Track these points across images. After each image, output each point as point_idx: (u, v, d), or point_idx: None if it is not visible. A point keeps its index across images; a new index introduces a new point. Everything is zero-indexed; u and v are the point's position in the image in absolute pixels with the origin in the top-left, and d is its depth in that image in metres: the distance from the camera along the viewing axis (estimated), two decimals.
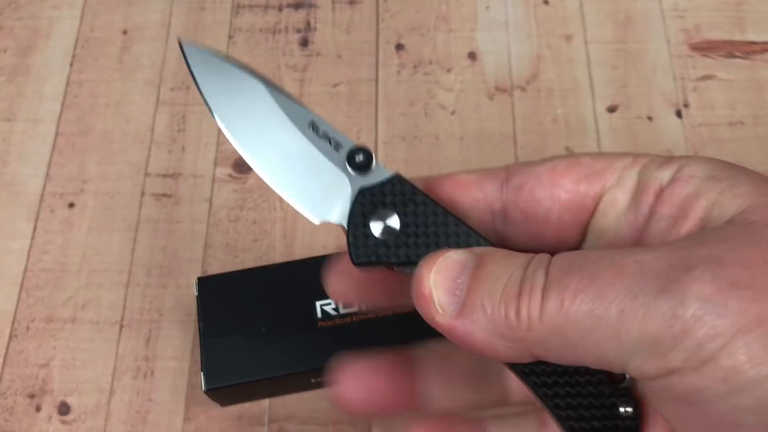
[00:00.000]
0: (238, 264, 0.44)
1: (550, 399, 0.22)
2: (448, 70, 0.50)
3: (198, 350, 0.38)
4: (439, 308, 0.21)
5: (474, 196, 0.24)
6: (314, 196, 0.24)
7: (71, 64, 0.51)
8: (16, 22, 0.53)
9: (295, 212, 0.47)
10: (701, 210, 0.21)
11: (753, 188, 0.20)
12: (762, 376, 0.17)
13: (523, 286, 0.20)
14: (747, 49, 0.50)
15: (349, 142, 0.24)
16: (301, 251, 0.45)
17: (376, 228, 0.23)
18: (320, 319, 0.38)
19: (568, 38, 0.51)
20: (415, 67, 0.50)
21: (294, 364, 0.37)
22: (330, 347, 0.38)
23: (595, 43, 0.51)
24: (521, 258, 0.21)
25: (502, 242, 0.25)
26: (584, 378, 0.22)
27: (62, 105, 0.50)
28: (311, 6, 0.53)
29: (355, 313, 0.38)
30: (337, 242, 0.45)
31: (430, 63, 0.51)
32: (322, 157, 0.24)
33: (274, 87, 0.24)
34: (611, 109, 0.49)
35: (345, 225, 0.23)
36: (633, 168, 0.23)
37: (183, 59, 0.24)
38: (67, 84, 0.50)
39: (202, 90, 0.24)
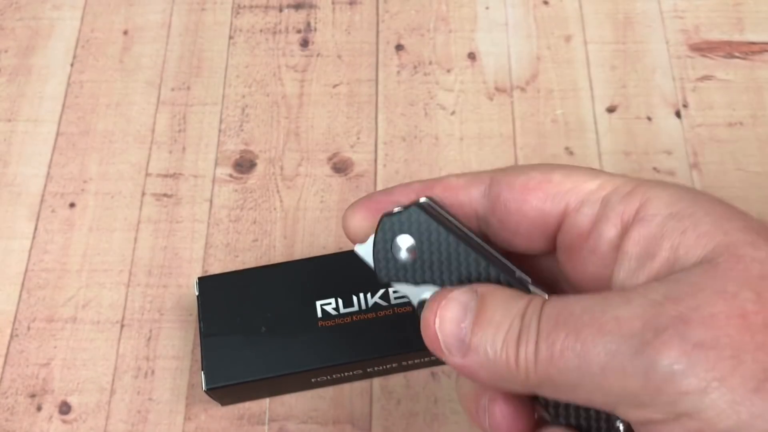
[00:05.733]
0: (238, 264, 0.45)
1: (555, 414, 0.24)
2: (448, 71, 0.50)
3: (198, 350, 0.38)
4: (446, 350, 0.23)
5: (461, 200, 0.26)
6: None
7: (72, 65, 0.51)
8: (17, 22, 0.53)
9: (296, 212, 0.47)
10: (666, 251, 0.22)
11: (714, 227, 0.21)
12: (729, 427, 0.18)
13: (520, 338, 0.22)
14: (746, 50, 0.51)
15: None
16: (301, 251, 0.45)
17: (396, 252, 0.25)
18: (320, 319, 0.38)
19: (568, 39, 0.51)
20: (415, 67, 0.51)
21: (294, 364, 0.37)
22: (330, 347, 0.38)
23: (594, 44, 0.51)
24: (519, 304, 0.22)
25: (487, 243, 0.27)
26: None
27: (63, 105, 0.50)
28: (311, 6, 0.53)
29: (355, 313, 0.38)
30: (338, 243, 0.45)
31: (430, 63, 0.51)
32: None
33: None
34: (610, 110, 0.49)
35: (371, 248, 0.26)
36: (596, 194, 0.24)
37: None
38: (68, 84, 0.50)
39: None
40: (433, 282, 0.25)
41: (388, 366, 0.40)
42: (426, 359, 0.40)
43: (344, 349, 0.37)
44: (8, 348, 0.43)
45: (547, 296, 0.24)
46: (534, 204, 0.25)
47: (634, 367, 0.19)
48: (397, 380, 0.41)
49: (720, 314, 0.19)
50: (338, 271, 0.39)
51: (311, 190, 0.47)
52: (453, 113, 0.49)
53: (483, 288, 0.24)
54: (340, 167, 0.48)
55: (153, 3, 0.53)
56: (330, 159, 0.48)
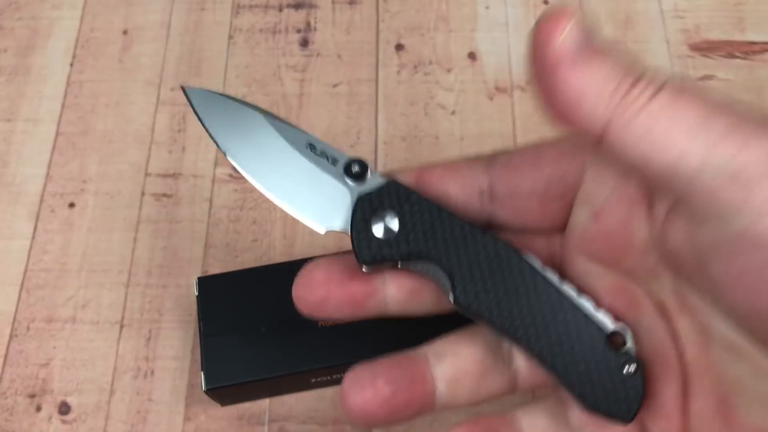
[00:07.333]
0: (238, 264, 0.44)
1: (559, 366, 0.24)
2: (448, 71, 0.50)
3: (198, 350, 0.38)
4: (560, 40, 0.21)
5: (463, 177, 0.26)
6: (318, 208, 0.27)
7: (71, 65, 0.51)
8: (16, 22, 0.53)
9: None
10: None
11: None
12: None
13: (644, 71, 0.20)
14: (747, 50, 0.50)
15: (345, 156, 0.27)
16: (301, 251, 0.45)
17: (377, 229, 0.25)
18: (320, 319, 0.38)
19: None
20: (415, 67, 0.51)
21: (294, 364, 0.37)
22: (330, 347, 0.38)
23: None
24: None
25: (489, 221, 0.26)
26: (589, 343, 0.24)
27: (62, 105, 0.50)
28: (311, 6, 0.53)
29: None
30: (337, 242, 0.45)
31: (430, 63, 0.51)
32: (321, 173, 0.27)
33: (272, 116, 0.27)
34: None
35: (348, 230, 0.26)
36: None
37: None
38: (68, 84, 0.50)
39: (211, 131, 0.27)
40: (419, 254, 0.25)
41: None
42: None
43: (344, 349, 0.37)
44: (7, 348, 0.43)
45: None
46: (550, 160, 0.25)
47: (760, 144, 0.19)
48: None
49: None
50: None
51: None
52: (453, 113, 0.49)
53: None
54: None
55: (153, 3, 0.53)
56: None
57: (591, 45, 0.21)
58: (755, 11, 0.52)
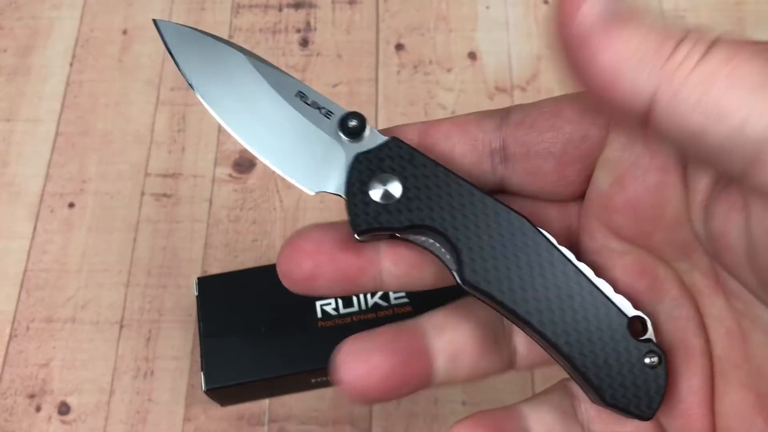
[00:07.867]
0: (238, 264, 0.44)
1: (575, 355, 0.22)
2: (448, 70, 0.50)
3: (198, 350, 0.38)
4: (586, 10, 0.19)
5: (472, 135, 0.23)
6: (307, 166, 0.23)
7: (71, 64, 0.51)
8: (16, 22, 0.53)
9: (295, 212, 0.47)
10: None
11: None
12: None
13: (688, 31, 0.18)
14: None
15: (341, 109, 0.23)
16: None
17: (375, 194, 0.22)
18: (320, 319, 0.38)
19: None
20: (415, 67, 0.51)
21: (294, 364, 0.37)
22: (330, 347, 0.37)
23: None
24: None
25: (501, 186, 0.24)
26: (608, 330, 0.22)
27: (62, 105, 0.50)
28: (311, 6, 0.53)
29: (355, 313, 0.38)
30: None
31: (430, 63, 0.51)
32: (312, 126, 0.23)
33: (256, 58, 0.24)
34: None
35: (343, 194, 0.23)
36: None
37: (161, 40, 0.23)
38: (67, 84, 0.50)
39: (181, 65, 0.23)
40: (422, 224, 0.22)
41: None
42: None
43: None
44: (7, 348, 0.43)
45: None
46: (571, 117, 0.22)
47: None
48: None
49: None
50: None
51: None
52: (453, 113, 0.49)
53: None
54: None
55: (152, 2, 0.53)
56: None
57: (620, 10, 0.18)
58: (756, 11, 0.52)
